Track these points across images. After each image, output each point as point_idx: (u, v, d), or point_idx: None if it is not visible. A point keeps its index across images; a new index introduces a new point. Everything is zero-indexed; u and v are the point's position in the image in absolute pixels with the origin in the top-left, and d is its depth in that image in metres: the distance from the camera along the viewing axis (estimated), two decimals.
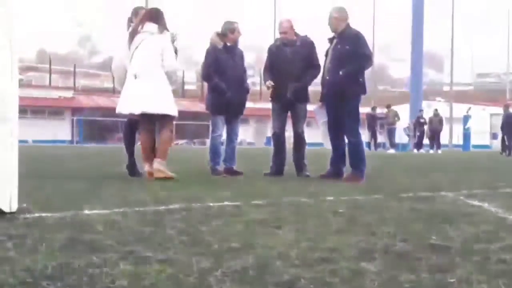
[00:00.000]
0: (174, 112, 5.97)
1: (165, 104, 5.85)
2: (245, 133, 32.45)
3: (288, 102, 6.88)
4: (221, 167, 6.94)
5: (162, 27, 5.93)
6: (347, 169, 6.64)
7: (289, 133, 7.36)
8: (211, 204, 3.94)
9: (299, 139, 7.12)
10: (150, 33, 5.85)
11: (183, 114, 32.61)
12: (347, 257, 2.24)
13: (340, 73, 6.29)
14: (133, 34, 5.91)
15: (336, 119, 6.58)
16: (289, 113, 7.08)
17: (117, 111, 5.96)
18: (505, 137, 21.64)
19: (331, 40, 6.64)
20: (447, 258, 2.27)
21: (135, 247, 2.32)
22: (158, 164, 5.79)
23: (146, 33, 5.85)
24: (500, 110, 24.02)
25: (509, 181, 6.70)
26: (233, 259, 2.15)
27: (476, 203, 4.32)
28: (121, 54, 6.14)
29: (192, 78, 52.80)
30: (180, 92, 39.39)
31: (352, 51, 6.32)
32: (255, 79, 51.36)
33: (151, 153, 5.93)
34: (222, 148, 7.13)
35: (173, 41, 6.08)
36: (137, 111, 5.80)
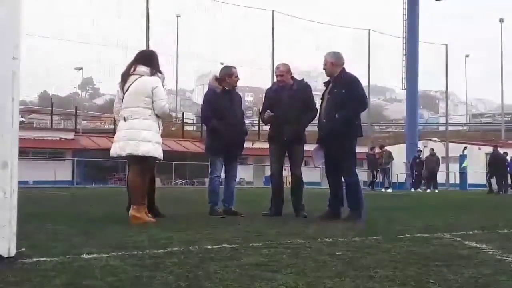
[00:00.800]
0: (158, 155, 5.88)
1: (148, 147, 5.75)
2: (244, 173, 32.45)
3: (285, 144, 6.97)
4: (220, 208, 6.95)
5: (154, 69, 6.00)
6: (344, 209, 6.66)
7: (286, 172, 7.40)
8: (209, 246, 3.93)
9: (297, 181, 7.17)
10: (141, 76, 5.91)
11: (183, 154, 32.66)
12: None
13: (336, 116, 6.38)
14: (125, 77, 6.00)
15: (332, 161, 6.66)
16: (286, 154, 7.15)
17: (110, 154, 6.02)
18: (491, 177, 21.82)
19: (327, 84, 6.78)
20: None
21: None
22: (132, 211, 5.78)
23: (137, 75, 5.93)
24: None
25: (506, 221, 6.69)
26: None
27: (473, 244, 4.32)
28: (117, 96, 6.25)
29: (192, 119, 53.19)
30: (180, 133, 39.63)
31: (347, 95, 6.44)
32: (253, 119, 51.76)
33: (135, 195, 5.91)
34: (221, 189, 7.15)
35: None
36: (123, 153, 5.82)
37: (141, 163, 5.90)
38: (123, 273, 2.84)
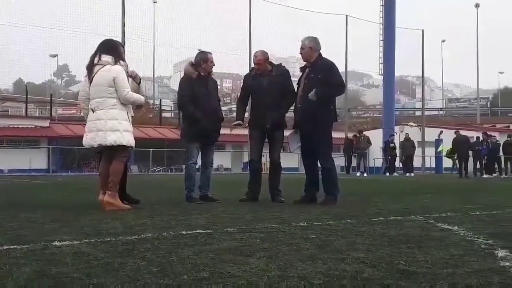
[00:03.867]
0: (126, 142, 5.84)
1: (116, 135, 5.75)
2: (222, 159, 32.43)
3: (266, 130, 6.99)
4: (196, 194, 6.94)
5: (117, 57, 5.95)
6: (320, 194, 6.71)
7: (265, 158, 7.43)
8: (184, 232, 3.93)
9: (275, 166, 7.21)
10: (104, 65, 5.87)
11: (160, 141, 32.50)
12: (315, 285, 2.25)
13: (313, 92, 6.40)
14: (89, 68, 5.99)
15: (309, 146, 6.70)
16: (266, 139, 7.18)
17: (83, 144, 6.03)
18: (460, 160, 22.18)
19: (303, 69, 6.78)
20: (415, 284, 2.30)
21: (102, 280, 2.31)
22: (107, 197, 5.78)
23: (100, 65, 5.89)
24: (470, 134, 24.55)
25: (478, 204, 6.81)
26: None
27: (446, 226, 4.39)
28: (84, 88, 6.22)
29: (169, 106, 52.86)
30: (157, 120, 39.43)
31: (325, 79, 6.46)
32: (232, 105, 51.58)
33: (106, 182, 5.89)
34: (198, 176, 7.13)
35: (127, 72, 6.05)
36: (94, 144, 5.84)
37: (114, 152, 5.89)
38: (95, 259, 2.82)
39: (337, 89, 6.67)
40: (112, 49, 6.04)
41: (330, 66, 6.67)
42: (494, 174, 23.24)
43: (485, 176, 22.58)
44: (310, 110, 6.50)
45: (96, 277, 2.36)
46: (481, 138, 23.77)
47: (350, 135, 28.89)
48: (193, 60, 7.06)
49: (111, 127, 5.75)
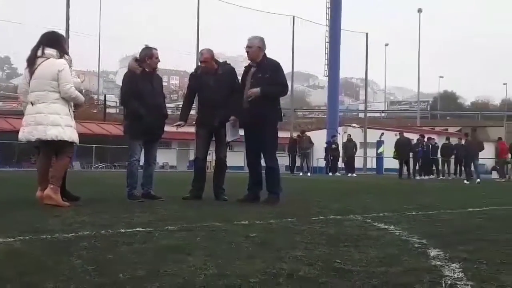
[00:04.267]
0: (68, 138, 5.72)
1: (57, 130, 5.62)
2: (168, 157, 32.13)
3: (214, 128, 6.98)
4: (138, 192, 6.85)
5: (61, 51, 5.81)
6: (263, 193, 6.76)
7: (211, 157, 7.42)
8: (123, 230, 3.88)
9: (221, 164, 7.22)
10: (48, 58, 5.72)
11: (104, 137, 31.75)
12: (252, 283, 2.28)
13: (257, 89, 6.43)
14: (31, 60, 5.80)
15: (254, 145, 6.74)
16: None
17: (19, 138, 5.83)
18: (401, 162, 22.88)
19: (247, 69, 6.80)
20: (349, 282, 2.36)
21: (34, 278, 2.25)
22: (49, 190, 5.64)
23: (43, 58, 5.73)
24: (411, 136, 25.26)
25: (414, 204, 7.02)
26: None
27: (382, 226, 4.51)
28: (24, 80, 6.02)
29: (115, 101, 51.89)
30: (102, 116, 38.64)
31: (272, 79, 6.52)
32: (179, 103, 51.07)
33: (45, 178, 5.76)
34: (141, 173, 7.04)
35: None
36: (32, 138, 5.66)
37: (53, 147, 5.75)
38: (29, 257, 2.75)
39: (281, 89, 6.75)
40: (55, 42, 5.87)
41: (277, 66, 6.75)
42: (431, 176, 24.01)
43: (423, 177, 23.30)
44: (257, 110, 6.53)
45: (28, 276, 2.30)
46: (414, 141, 24.47)
47: (295, 135, 29.31)
48: (137, 56, 6.96)
49: (52, 121, 5.60)
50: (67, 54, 5.90)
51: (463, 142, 24.23)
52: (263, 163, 6.91)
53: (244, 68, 6.93)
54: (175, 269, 2.51)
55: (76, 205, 5.81)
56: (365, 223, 4.75)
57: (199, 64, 7.38)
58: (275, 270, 2.55)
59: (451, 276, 2.53)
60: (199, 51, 7.32)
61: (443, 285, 2.36)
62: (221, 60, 7.34)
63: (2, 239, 3.33)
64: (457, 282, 2.42)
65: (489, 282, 2.45)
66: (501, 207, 7.06)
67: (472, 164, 19.28)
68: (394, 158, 23.38)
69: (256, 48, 6.70)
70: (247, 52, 6.77)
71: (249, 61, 6.85)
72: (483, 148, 20.03)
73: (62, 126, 5.65)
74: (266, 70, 6.62)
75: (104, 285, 2.18)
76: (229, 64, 7.31)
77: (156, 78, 7.06)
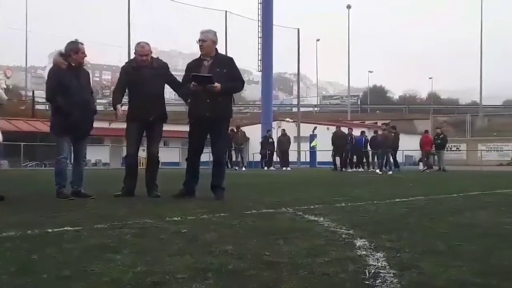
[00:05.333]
0: None
1: None
2: (101, 154, 31.43)
3: (146, 122, 6.86)
4: (68, 190, 6.67)
5: None
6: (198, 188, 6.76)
7: (145, 153, 7.32)
8: (50, 230, 3.78)
9: (153, 160, 7.11)
10: None
11: (32, 135, 30.63)
12: (180, 279, 2.28)
13: (218, 85, 6.35)
14: None
15: (201, 140, 6.72)
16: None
17: None
18: (335, 155, 23.51)
19: (199, 62, 6.70)
20: (276, 274, 2.41)
21: None
22: None
23: None
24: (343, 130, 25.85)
25: (344, 196, 7.21)
26: None
27: (312, 218, 4.61)
28: None
29: (43, 97, 50.13)
30: (30, 112, 37.28)
31: (229, 74, 6.52)
32: (111, 98, 49.97)
33: None
34: (70, 171, 6.86)
35: None
36: None
37: None
38: None
39: (240, 84, 6.71)
40: None
41: (231, 61, 6.73)
42: (360, 169, 24.69)
43: (356, 169, 23.95)
44: (222, 105, 6.49)
45: None
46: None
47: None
48: (63, 50, 6.75)
49: None
50: None
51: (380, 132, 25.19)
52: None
53: (191, 62, 6.82)
54: (103, 268, 2.48)
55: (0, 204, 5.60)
56: (295, 215, 4.84)
57: (132, 57, 7.23)
58: (204, 265, 2.57)
59: (375, 265, 2.63)
60: (138, 43, 7.12)
61: (367, 274, 2.45)
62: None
63: None
64: (380, 271, 2.51)
65: (410, 269, 2.56)
66: (426, 197, 7.37)
67: (386, 156, 20.90)
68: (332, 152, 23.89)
69: (210, 42, 6.62)
70: (201, 46, 6.65)
71: (201, 55, 6.74)
72: (397, 142, 22.34)
73: None
74: (222, 65, 6.57)
75: (26, 285, 2.13)
76: (161, 59, 7.25)
77: (83, 73, 6.87)
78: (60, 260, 2.67)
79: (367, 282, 2.32)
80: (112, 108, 7.51)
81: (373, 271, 2.51)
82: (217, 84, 6.36)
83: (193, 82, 6.50)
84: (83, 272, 2.38)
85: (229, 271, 2.46)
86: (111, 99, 7.59)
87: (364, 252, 2.98)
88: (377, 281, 2.32)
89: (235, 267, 2.54)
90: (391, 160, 21.42)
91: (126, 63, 7.40)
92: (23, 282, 2.18)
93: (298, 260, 2.70)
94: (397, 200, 6.80)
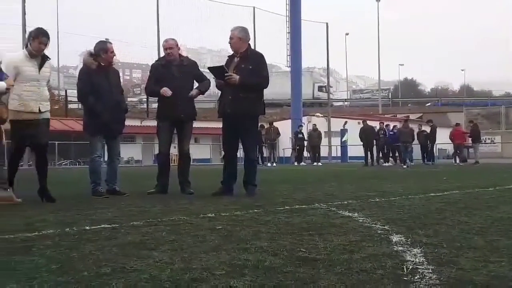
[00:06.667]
0: None
1: None
2: (133, 151, 31.80)
3: (177, 120, 6.92)
4: (103, 188, 6.77)
5: None
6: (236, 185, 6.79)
7: (176, 150, 7.38)
8: (88, 227, 3.84)
9: (185, 158, 7.17)
10: None
11: (66, 134, 31.09)
12: (218, 275, 2.29)
13: (238, 78, 6.40)
14: None
15: (235, 138, 6.73)
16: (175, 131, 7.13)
17: None
18: (366, 150, 23.31)
19: (230, 58, 6.74)
20: (313, 270, 2.40)
21: None
22: None
23: None
24: (373, 124, 25.59)
25: (377, 191, 7.15)
26: (101, 285, 2.12)
27: (346, 213, 4.59)
28: None
29: (75, 97, 50.96)
30: (63, 111, 37.91)
31: (255, 70, 6.51)
32: (142, 96, 50.43)
33: None
34: (104, 169, 6.96)
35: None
36: None
37: None
38: None
39: (261, 82, 6.65)
40: None
41: (260, 58, 6.71)
42: (388, 163, 24.40)
43: (385, 164, 23.70)
44: (244, 102, 6.49)
45: None
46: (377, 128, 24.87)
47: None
48: (92, 50, 6.84)
49: None
50: None
51: (423, 128, 25.04)
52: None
53: (227, 58, 6.86)
54: (141, 264, 2.51)
55: (38, 203, 5.72)
56: (329, 211, 4.82)
57: (162, 55, 7.31)
58: (240, 261, 2.58)
59: (413, 261, 2.60)
60: (164, 40, 7.19)
61: (405, 269, 2.43)
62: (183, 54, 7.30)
63: None
64: (418, 267, 2.48)
65: (448, 265, 2.52)
66: (460, 191, 7.25)
67: (404, 150, 22.26)
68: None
69: (237, 39, 6.63)
70: (229, 43, 6.70)
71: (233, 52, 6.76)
72: (413, 137, 23.38)
73: None
74: (250, 62, 6.58)
75: (68, 283, 2.17)
76: (191, 59, 7.31)
77: (113, 72, 6.95)
78: (99, 257, 2.71)
79: (405, 278, 2.29)
80: (143, 106, 7.61)
81: (411, 267, 2.48)
82: (234, 75, 6.39)
83: (213, 77, 6.61)
84: (122, 269, 2.41)
85: (265, 267, 2.46)
86: (146, 94, 7.66)
87: (401, 248, 2.95)
88: (416, 277, 2.30)
89: (272, 263, 2.54)
90: (408, 154, 22.61)
91: (156, 61, 7.46)
92: (65, 280, 2.22)
93: (335, 257, 2.69)
94: (432, 194, 6.71)
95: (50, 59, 6.14)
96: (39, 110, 5.92)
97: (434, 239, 3.25)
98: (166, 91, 6.81)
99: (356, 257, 2.69)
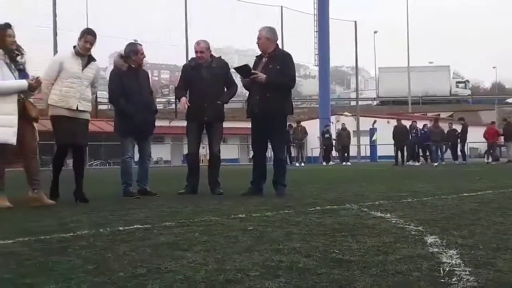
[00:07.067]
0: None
1: None
2: (161, 152, 32.12)
3: (205, 122, 6.96)
4: (134, 188, 6.85)
5: None
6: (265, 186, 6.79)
7: (205, 150, 7.43)
8: (121, 228, 3.89)
9: (215, 159, 7.20)
10: None
11: (97, 135, 31.63)
12: (252, 276, 2.29)
13: (264, 76, 6.42)
14: None
15: (263, 138, 6.74)
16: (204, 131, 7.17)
17: None
18: (397, 149, 23.09)
19: (258, 59, 6.76)
20: (347, 272, 2.38)
21: (35, 280, 2.26)
22: (30, 193, 5.69)
23: None
24: (404, 123, 25.29)
25: (409, 192, 7.06)
26: (137, 286, 2.14)
27: (378, 214, 4.54)
28: None
29: (106, 98, 51.66)
30: (93, 112, 38.49)
31: (282, 70, 6.51)
32: (170, 97, 50.78)
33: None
34: (136, 169, 7.04)
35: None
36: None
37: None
38: (28, 259, 2.75)
39: (288, 81, 6.66)
40: None
41: (288, 58, 6.70)
42: (419, 162, 24.08)
43: (415, 163, 23.40)
44: (272, 102, 6.49)
45: (29, 277, 2.31)
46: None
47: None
48: (122, 52, 6.92)
49: None
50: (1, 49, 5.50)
51: (454, 127, 24.75)
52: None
53: (255, 58, 6.90)
54: (175, 265, 2.52)
55: (71, 204, 5.81)
56: (361, 212, 4.78)
57: (190, 56, 7.36)
58: (273, 263, 2.57)
59: (449, 263, 2.56)
60: (196, 41, 7.23)
61: (441, 272, 2.39)
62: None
63: (0, 241, 3.32)
64: (455, 269, 2.44)
65: (485, 267, 2.47)
66: (494, 191, 7.12)
67: (433, 149, 23.12)
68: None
69: (264, 39, 6.65)
70: (257, 43, 6.74)
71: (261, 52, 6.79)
72: (444, 135, 23.88)
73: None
74: (277, 62, 6.58)
75: (105, 284, 2.19)
76: (223, 59, 7.29)
77: (143, 74, 7.03)
78: (134, 258, 2.74)
79: (442, 280, 2.25)
80: (171, 107, 7.69)
81: (447, 269, 2.44)
82: (261, 74, 6.39)
83: (239, 76, 6.63)
84: (157, 270, 2.43)
85: (299, 269, 2.45)
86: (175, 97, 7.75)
87: (436, 249, 2.91)
88: (453, 279, 2.26)
89: (305, 265, 2.53)
90: (438, 153, 23.58)
91: (188, 61, 7.51)
92: (102, 281, 2.25)
93: (369, 258, 2.66)
94: (465, 194, 6.60)
95: (95, 60, 6.21)
96: (77, 108, 5.96)
97: (469, 240, 3.19)
98: (183, 103, 6.91)
99: (391, 258, 2.66)
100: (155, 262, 2.60)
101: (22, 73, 5.60)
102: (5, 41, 5.49)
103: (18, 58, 5.61)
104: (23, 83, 5.51)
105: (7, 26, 5.57)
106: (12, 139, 5.39)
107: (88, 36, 6.00)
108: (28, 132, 5.66)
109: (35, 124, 5.82)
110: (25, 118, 5.58)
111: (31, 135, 5.72)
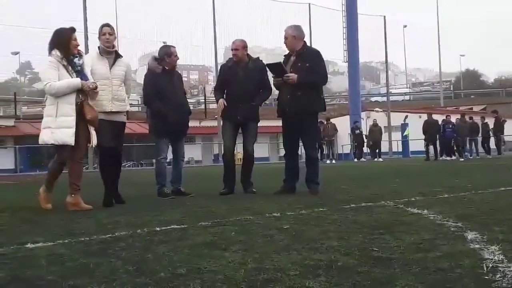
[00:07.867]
0: (50, 141, 5.43)
1: (45, 134, 5.43)
2: (192, 152, 32.34)
3: (238, 121, 6.98)
4: (168, 189, 6.91)
5: (49, 48, 5.56)
6: (299, 184, 6.76)
7: (236, 150, 7.45)
8: (158, 228, 3.92)
9: (249, 158, 7.20)
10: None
11: (128, 136, 32.17)
12: (292, 276, 2.29)
13: (295, 76, 6.38)
14: None
15: (295, 136, 6.72)
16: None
17: None
18: (427, 144, 22.79)
19: (287, 58, 6.75)
20: (388, 270, 2.36)
21: (78, 281, 2.29)
22: (69, 198, 5.67)
23: None
24: (435, 117, 24.90)
25: (444, 187, 6.95)
26: (179, 287, 2.16)
27: (415, 211, 4.48)
28: None
29: (136, 100, 52.31)
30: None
31: (311, 68, 6.47)
32: (199, 97, 51.12)
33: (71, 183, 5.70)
34: (169, 170, 7.09)
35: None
36: (40, 142, 5.59)
37: (55, 150, 5.62)
38: (70, 261, 2.80)
39: (319, 78, 6.59)
40: (50, 39, 5.61)
41: (317, 55, 6.66)
42: (453, 157, 23.68)
43: (448, 158, 23.02)
44: (302, 100, 6.45)
45: (72, 279, 2.35)
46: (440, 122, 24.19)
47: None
48: (156, 55, 6.99)
49: (44, 124, 5.47)
50: (54, 48, 5.51)
51: (486, 121, 24.33)
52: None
53: (283, 57, 6.87)
54: (214, 265, 2.54)
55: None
56: (397, 208, 4.73)
57: (219, 56, 7.38)
58: (312, 261, 2.56)
59: (491, 259, 2.51)
60: (232, 41, 7.22)
61: (484, 268, 2.34)
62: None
63: (41, 243, 3.39)
64: (498, 265, 2.40)
65: None
66: None
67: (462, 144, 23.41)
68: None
69: (291, 38, 6.62)
70: (284, 43, 6.72)
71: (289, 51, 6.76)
72: (475, 130, 24.25)
73: (52, 129, 5.42)
74: (306, 59, 6.54)
75: (147, 284, 2.22)
76: (261, 60, 7.25)
77: (176, 76, 7.08)
78: (173, 258, 2.76)
79: (486, 277, 2.21)
80: (201, 107, 7.73)
81: (490, 265, 2.39)
82: (292, 75, 6.36)
83: (272, 75, 6.60)
84: (197, 270, 2.44)
85: (339, 267, 2.43)
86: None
87: (477, 246, 2.86)
88: (497, 276, 2.21)
89: (345, 263, 2.51)
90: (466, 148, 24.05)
91: (226, 61, 7.50)
92: (143, 281, 2.27)
93: (409, 256, 2.63)
94: (502, 189, 6.47)
95: (122, 57, 6.17)
96: (111, 110, 5.95)
97: (510, 235, 3.13)
98: (220, 105, 6.93)
99: (431, 256, 2.63)
100: (194, 262, 2.61)
101: (81, 74, 5.59)
102: (70, 44, 5.51)
103: (76, 59, 5.59)
104: (76, 81, 5.47)
105: (73, 30, 5.63)
106: (70, 140, 5.42)
107: (104, 27, 5.98)
108: (82, 136, 5.60)
109: (92, 129, 5.69)
110: (82, 120, 5.55)
111: (84, 139, 5.66)
